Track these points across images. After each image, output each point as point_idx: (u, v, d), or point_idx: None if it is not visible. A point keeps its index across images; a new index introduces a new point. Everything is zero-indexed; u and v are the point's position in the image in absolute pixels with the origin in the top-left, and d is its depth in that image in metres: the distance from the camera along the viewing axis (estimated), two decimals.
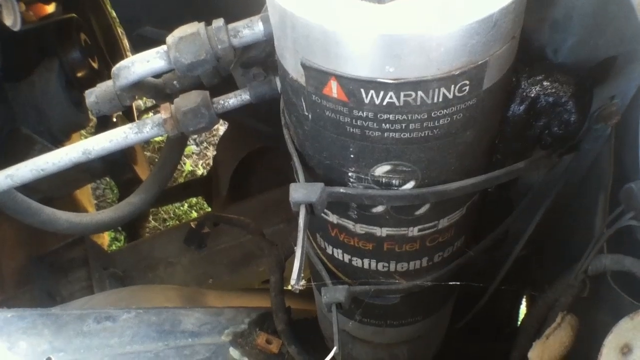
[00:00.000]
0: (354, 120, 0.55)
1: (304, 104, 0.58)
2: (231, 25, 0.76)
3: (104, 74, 1.62)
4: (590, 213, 0.74)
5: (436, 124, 0.54)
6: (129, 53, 1.81)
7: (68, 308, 1.16)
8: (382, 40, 0.48)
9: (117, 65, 0.79)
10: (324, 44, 0.51)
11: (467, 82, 0.52)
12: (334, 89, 0.53)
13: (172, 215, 2.64)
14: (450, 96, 0.52)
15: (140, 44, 1.22)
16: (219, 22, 0.76)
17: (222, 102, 0.86)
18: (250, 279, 1.56)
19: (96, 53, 1.64)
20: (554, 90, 0.60)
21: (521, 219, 0.81)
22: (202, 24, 0.76)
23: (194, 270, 1.52)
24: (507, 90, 0.60)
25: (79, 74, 1.52)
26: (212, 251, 1.52)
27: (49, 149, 1.37)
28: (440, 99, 0.52)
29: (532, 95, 0.61)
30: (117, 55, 1.79)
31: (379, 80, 0.51)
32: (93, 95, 0.86)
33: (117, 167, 1.70)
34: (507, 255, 0.87)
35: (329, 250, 0.76)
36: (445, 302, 0.93)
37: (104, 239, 1.96)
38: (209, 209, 2.19)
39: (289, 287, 0.61)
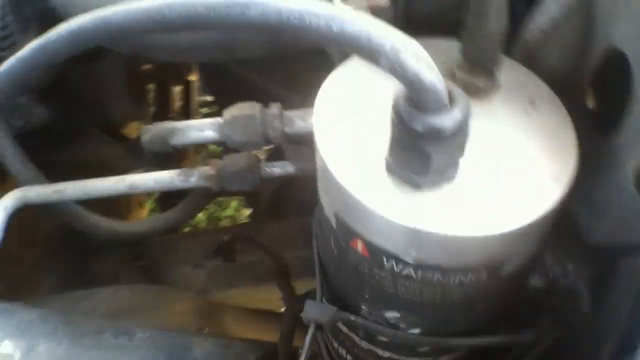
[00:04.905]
0: (374, 275, 0.58)
1: (332, 241, 0.61)
2: (287, 114, 0.79)
3: (167, 67, 1.66)
4: None
5: (449, 298, 0.57)
6: None
7: (93, 297, 1.23)
8: (406, 230, 0.50)
9: (173, 126, 0.83)
10: (354, 210, 0.53)
11: (485, 272, 0.54)
12: (359, 246, 0.56)
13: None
14: (467, 281, 0.54)
15: None
16: (275, 109, 0.78)
17: (268, 169, 0.90)
18: (271, 294, 1.60)
19: None
20: (574, 278, 0.61)
21: None
22: (259, 107, 0.79)
23: (217, 277, 1.57)
24: (528, 268, 0.61)
25: (144, 67, 1.57)
26: (238, 263, 1.56)
27: (98, 140, 1.43)
28: (457, 282, 0.54)
29: (553, 273, 0.62)
30: None
31: (400, 256, 0.53)
32: (148, 135, 0.90)
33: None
34: None
35: (335, 344, 0.79)
36: None
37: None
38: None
39: None
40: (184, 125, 0.82)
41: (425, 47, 0.63)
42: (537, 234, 0.53)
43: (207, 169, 0.89)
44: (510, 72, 0.62)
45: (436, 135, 0.46)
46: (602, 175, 0.62)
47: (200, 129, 0.80)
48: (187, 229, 2.41)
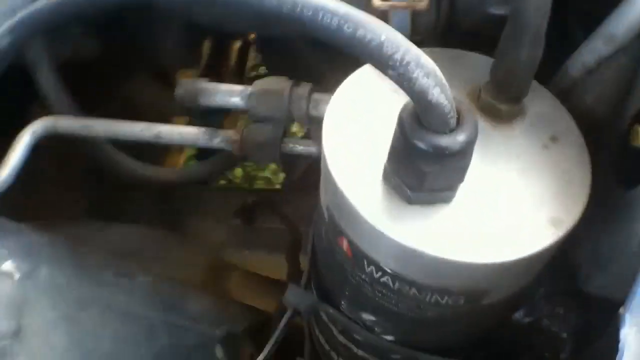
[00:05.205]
0: (355, 275, 0.58)
1: (323, 232, 0.61)
2: (315, 96, 0.78)
3: None
4: None
5: (424, 315, 0.56)
6: None
7: (110, 231, 1.26)
8: (387, 240, 0.49)
9: (202, 86, 0.83)
10: (343, 209, 0.53)
11: (463, 297, 0.53)
12: (344, 244, 0.56)
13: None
14: (443, 302, 0.54)
15: None
16: (304, 89, 0.78)
17: (291, 145, 0.89)
18: (283, 264, 1.62)
19: None
20: (561, 322, 0.59)
21: None
22: (289, 83, 0.78)
23: (236, 236, 1.58)
24: (512, 302, 0.60)
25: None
26: (257, 227, 1.58)
27: (145, 82, 1.45)
28: (433, 301, 0.54)
29: (540, 313, 0.60)
30: None
31: (380, 264, 0.53)
32: (182, 89, 0.91)
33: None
34: None
35: (316, 332, 0.80)
36: None
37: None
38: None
39: None
40: (214, 87, 0.82)
41: (459, 60, 0.62)
42: (522, 273, 0.52)
43: (232, 133, 0.90)
44: (540, 102, 0.59)
45: (434, 155, 0.45)
46: (613, 227, 0.60)
47: (229, 94, 0.81)
48: (222, 182, 2.45)
